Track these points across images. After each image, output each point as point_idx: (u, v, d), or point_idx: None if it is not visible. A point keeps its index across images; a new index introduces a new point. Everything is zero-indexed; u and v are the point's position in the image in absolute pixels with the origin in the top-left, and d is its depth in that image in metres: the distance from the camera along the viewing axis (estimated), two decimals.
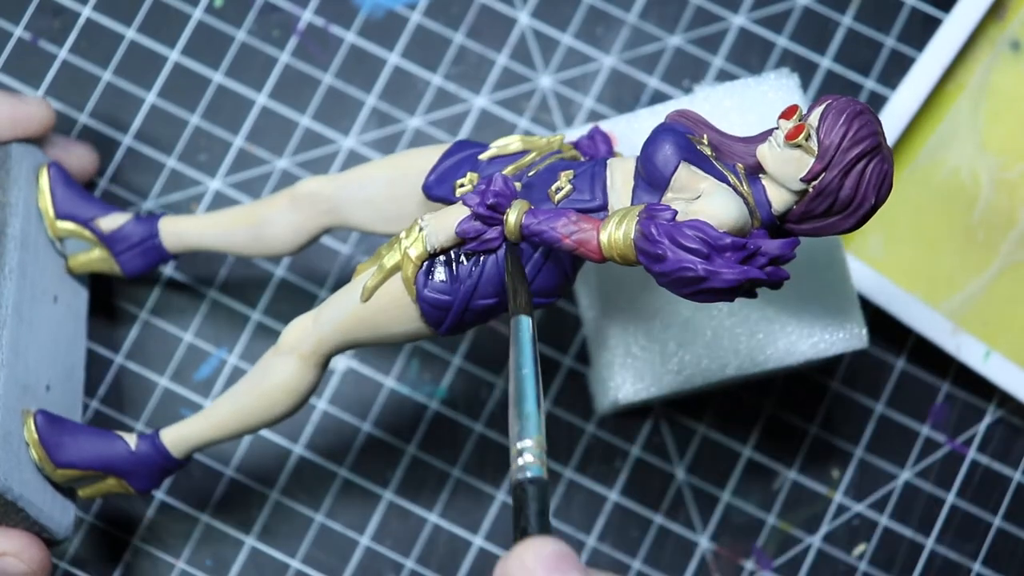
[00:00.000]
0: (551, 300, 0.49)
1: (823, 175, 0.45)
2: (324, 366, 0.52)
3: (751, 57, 0.65)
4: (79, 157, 0.60)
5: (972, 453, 0.64)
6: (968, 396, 0.64)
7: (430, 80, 0.65)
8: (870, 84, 0.65)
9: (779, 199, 0.46)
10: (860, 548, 0.63)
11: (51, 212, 0.56)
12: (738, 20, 0.66)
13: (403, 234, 0.48)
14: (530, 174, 0.49)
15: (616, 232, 0.45)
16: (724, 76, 0.65)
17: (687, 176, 0.45)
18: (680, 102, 0.57)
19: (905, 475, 0.64)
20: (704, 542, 0.63)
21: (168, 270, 0.63)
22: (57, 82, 0.64)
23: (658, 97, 0.65)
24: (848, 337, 0.56)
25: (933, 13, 0.66)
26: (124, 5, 0.65)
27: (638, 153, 0.47)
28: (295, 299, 0.64)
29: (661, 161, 0.45)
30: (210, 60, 0.65)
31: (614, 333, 0.56)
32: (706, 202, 0.45)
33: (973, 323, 0.63)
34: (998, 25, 0.64)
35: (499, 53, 0.65)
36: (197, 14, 0.65)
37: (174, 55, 0.65)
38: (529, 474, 0.41)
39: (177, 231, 0.56)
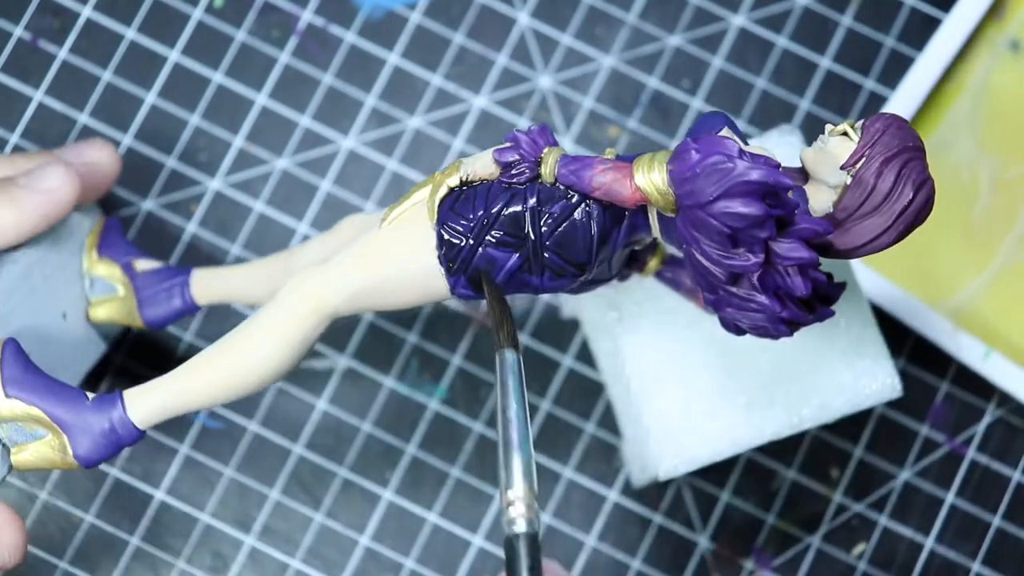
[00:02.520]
0: (569, 281, 0.48)
1: (863, 158, 0.45)
2: (323, 319, 0.49)
3: (751, 57, 0.65)
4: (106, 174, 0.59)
5: (971, 453, 0.64)
6: (968, 396, 0.64)
7: (430, 80, 0.65)
8: (870, 84, 0.65)
9: (818, 198, 0.46)
10: (859, 548, 0.63)
11: (95, 252, 0.57)
12: (738, 20, 0.66)
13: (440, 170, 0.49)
14: None
15: (649, 156, 0.45)
16: (724, 76, 0.65)
17: None
18: None
19: (904, 475, 0.64)
20: (704, 542, 0.63)
21: None
22: (57, 82, 0.64)
23: (658, 97, 0.65)
24: (881, 388, 0.55)
25: (933, 13, 0.66)
26: (124, 5, 0.65)
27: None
28: None
29: (707, 121, 0.46)
30: (210, 60, 0.65)
31: (646, 411, 0.55)
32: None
33: (973, 323, 0.63)
34: (998, 25, 0.64)
35: (499, 53, 0.65)
36: (197, 14, 0.65)
37: (174, 55, 0.65)
38: (516, 529, 0.39)
39: (207, 274, 0.57)
